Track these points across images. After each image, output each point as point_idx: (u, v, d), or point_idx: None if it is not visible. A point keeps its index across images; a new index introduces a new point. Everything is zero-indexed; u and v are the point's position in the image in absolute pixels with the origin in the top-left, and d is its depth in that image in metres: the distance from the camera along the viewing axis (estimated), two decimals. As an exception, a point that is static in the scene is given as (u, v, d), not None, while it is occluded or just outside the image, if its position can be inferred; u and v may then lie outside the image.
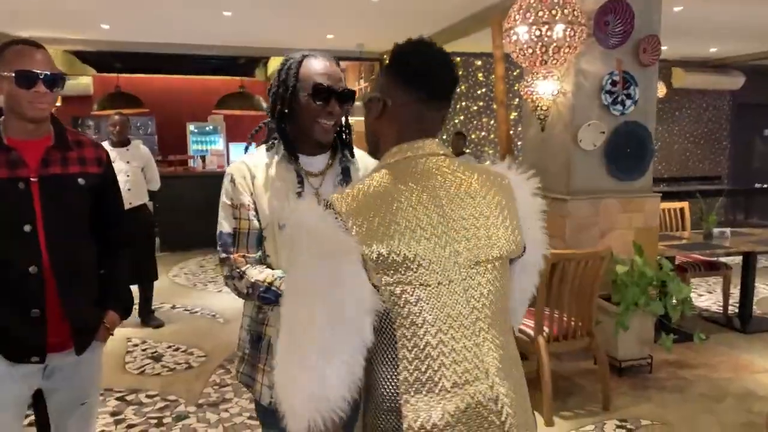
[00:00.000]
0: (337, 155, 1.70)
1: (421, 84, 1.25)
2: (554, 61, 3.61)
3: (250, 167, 1.61)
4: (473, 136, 8.37)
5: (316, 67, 1.59)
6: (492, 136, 8.37)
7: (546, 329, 3.25)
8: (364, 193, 1.18)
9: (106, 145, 4.78)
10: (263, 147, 1.68)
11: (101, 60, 8.79)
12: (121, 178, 4.70)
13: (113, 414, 3.33)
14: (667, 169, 9.11)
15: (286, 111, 1.60)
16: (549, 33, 3.52)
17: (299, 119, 1.60)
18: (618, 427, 3.21)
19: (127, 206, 4.70)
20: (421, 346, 1.13)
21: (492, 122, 8.31)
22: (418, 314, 1.13)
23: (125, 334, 4.65)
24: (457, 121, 8.41)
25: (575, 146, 4.03)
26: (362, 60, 8.09)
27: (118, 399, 3.52)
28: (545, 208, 1.41)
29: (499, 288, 1.23)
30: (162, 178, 8.03)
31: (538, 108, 4.09)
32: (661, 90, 7.37)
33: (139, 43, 7.11)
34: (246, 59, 8.44)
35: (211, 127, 9.64)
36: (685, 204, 5.46)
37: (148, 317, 4.90)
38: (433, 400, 1.13)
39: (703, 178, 9.23)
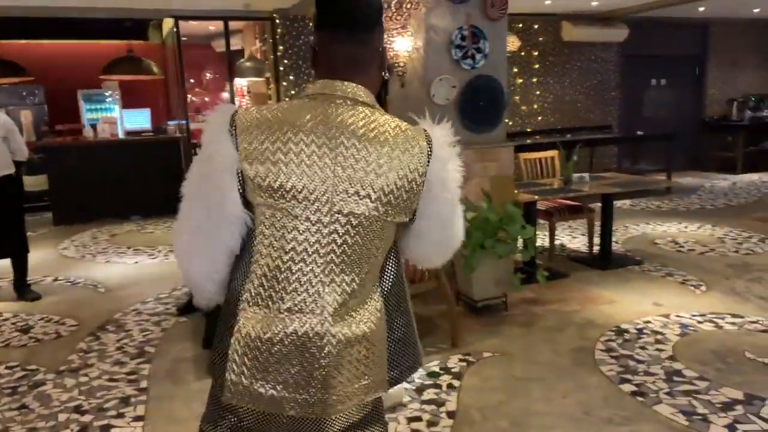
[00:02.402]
0: None
1: (327, 20, 1.28)
2: (398, 17, 3.71)
3: None
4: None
5: None
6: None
7: (392, 275, 3.43)
8: (264, 114, 1.25)
9: (-38, 115, 4.57)
10: None
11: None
12: (-19, 150, 4.55)
13: (-34, 387, 3.32)
14: (560, 121, 9.51)
15: None
16: (390, -11, 3.61)
17: None
18: (461, 360, 3.47)
19: (-10, 178, 4.59)
20: (271, 267, 1.22)
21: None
22: (278, 239, 1.22)
23: (-3, 309, 4.57)
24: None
25: (430, 101, 4.18)
26: (251, 19, 7.93)
27: (-25, 372, 3.50)
28: (460, 180, 1.34)
29: (363, 242, 1.24)
30: (52, 150, 7.81)
31: (397, 64, 4.21)
32: (513, 44, 7.52)
33: (8, 6, 6.72)
34: (132, 21, 8.12)
35: (106, 94, 9.26)
36: (555, 153, 5.77)
37: (23, 290, 4.81)
38: (265, 316, 1.23)
39: (595, 127, 9.68)
